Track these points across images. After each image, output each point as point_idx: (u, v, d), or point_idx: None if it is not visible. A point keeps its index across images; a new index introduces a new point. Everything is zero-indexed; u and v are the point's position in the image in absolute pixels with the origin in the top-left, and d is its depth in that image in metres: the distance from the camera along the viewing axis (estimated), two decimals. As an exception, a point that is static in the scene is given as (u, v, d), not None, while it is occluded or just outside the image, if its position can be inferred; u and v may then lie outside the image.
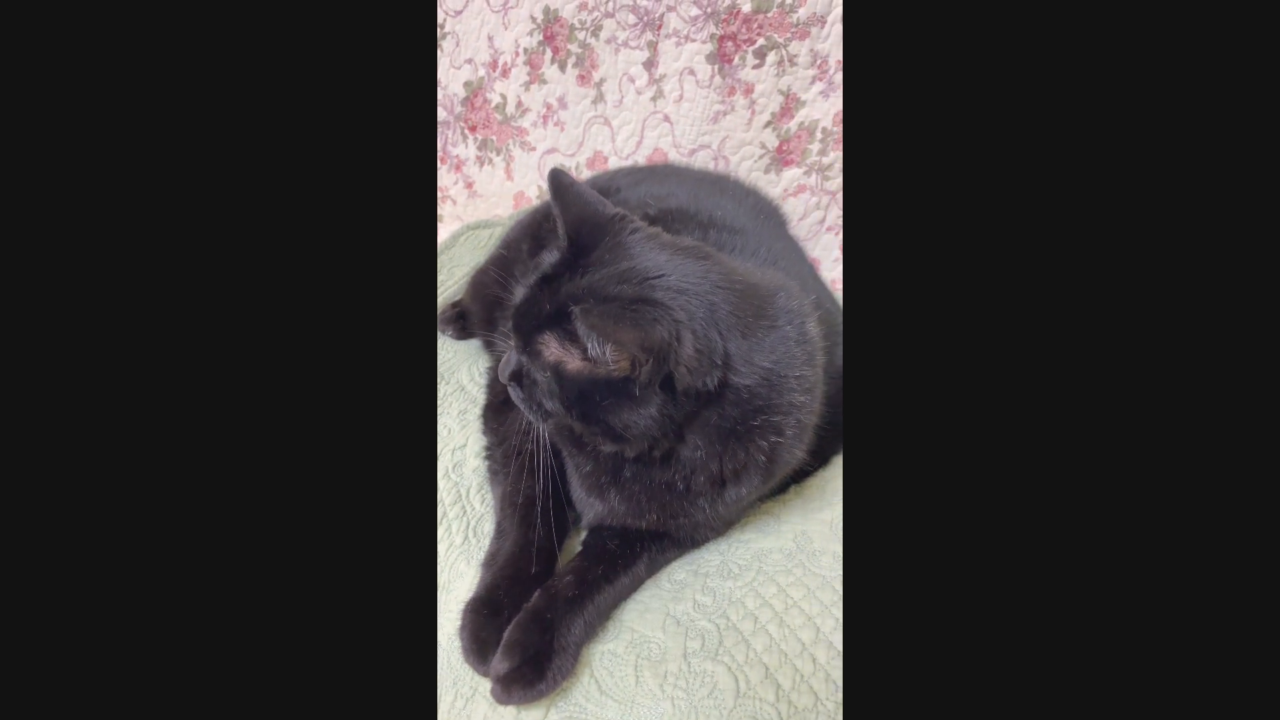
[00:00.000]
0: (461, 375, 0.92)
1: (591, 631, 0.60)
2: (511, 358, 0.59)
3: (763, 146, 1.27)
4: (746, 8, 1.18)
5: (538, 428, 0.64)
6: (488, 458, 0.76)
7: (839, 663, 0.57)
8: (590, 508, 0.66)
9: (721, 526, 0.69)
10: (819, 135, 1.24)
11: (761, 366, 0.55)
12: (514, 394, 0.61)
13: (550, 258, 0.59)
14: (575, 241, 0.58)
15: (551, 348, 0.54)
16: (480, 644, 0.57)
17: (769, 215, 0.94)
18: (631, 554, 0.65)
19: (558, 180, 0.60)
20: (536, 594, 0.60)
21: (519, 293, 0.58)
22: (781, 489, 0.73)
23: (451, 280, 1.12)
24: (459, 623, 0.60)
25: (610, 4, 1.26)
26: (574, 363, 0.54)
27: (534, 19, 1.32)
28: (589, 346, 0.51)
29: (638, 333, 0.49)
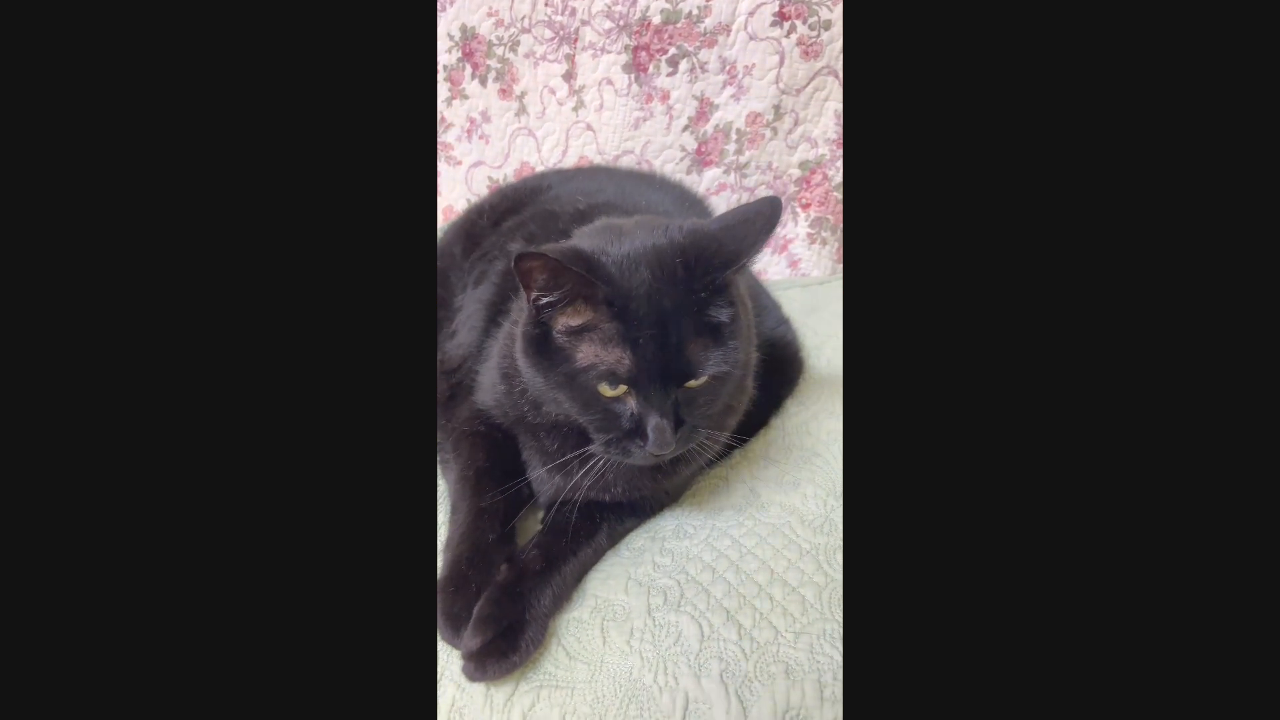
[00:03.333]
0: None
1: (560, 602, 0.62)
2: (659, 421, 0.56)
3: (683, 149, 1.34)
4: (657, 19, 1.24)
5: (503, 412, 0.68)
6: (437, 451, 0.77)
7: (795, 598, 0.61)
8: (551, 485, 0.68)
9: (679, 493, 0.73)
10: (734, 136, 1.32)
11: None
12: (674, 444, 0.57)
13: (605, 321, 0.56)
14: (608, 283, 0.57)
15: (702, 346, 0.56)
16: (453, 620, 0.58)
17: (693, 205, 0.99)
18: (592, 526, 0.67)
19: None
20: (504, 568, 0.61)
21: (624, 363, 0.56)
22: (726, 454, 0.77)
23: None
24: None
25: (526, 20, 1.30)
26: (714, 348, 0.57)
27: (451, 37, 1.34)
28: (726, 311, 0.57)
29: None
